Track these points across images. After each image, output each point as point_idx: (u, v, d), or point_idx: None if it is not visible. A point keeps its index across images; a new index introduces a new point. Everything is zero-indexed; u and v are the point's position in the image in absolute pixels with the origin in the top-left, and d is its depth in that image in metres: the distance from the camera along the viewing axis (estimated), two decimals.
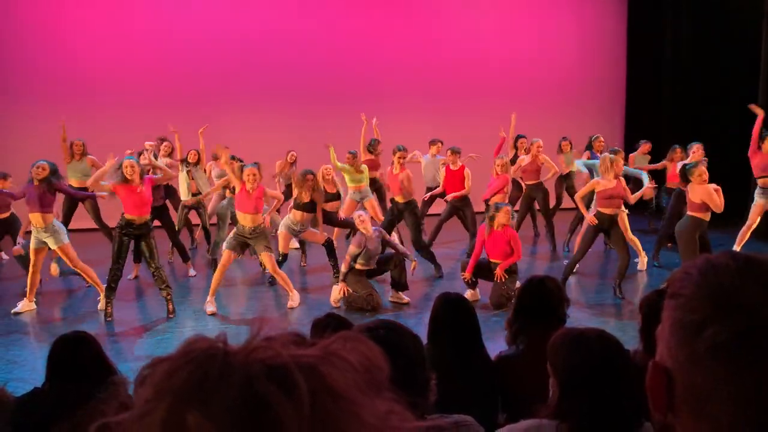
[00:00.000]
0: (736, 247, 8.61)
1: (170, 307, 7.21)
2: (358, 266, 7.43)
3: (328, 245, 8.29)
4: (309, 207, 8.17)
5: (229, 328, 6.83)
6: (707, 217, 7.36)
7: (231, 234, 7.66)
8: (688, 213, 7.45)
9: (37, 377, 4.17)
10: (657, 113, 13.97)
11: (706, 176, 7.25)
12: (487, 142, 11.14)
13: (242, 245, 7.49)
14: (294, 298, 7.49)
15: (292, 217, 8.23)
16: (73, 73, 12.17)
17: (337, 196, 9.25)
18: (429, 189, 10.32)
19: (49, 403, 2.77)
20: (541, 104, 14.00)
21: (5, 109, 11.97)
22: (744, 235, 8.70)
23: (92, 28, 12.21)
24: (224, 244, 7.67)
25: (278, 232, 8.41)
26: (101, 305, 7.32)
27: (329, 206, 8.83)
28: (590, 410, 1.96)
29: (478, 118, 13.44)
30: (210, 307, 7.30)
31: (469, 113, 13.61)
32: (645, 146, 10.93)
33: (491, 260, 7.42)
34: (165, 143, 9.59)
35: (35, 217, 7.19)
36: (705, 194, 7.20)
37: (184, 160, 9.24)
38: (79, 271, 7.51)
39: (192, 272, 8.99)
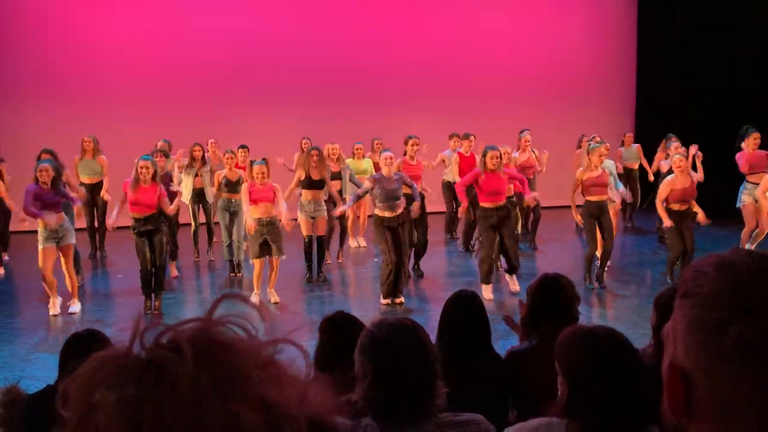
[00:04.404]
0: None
1: (156, 303, 7.31)
2: (377, 211, 7.31)
3: (310, 241, 8.19)
4: (316, 185, 8.18)
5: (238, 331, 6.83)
6: (683, 207, 7.47)
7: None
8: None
9: (50, 375, 4.20)
10: (667, 111, 13.88)
11: (683, 164, 7.42)
12: (496, 141, 11.07)
13: (262, 246, 7.38)
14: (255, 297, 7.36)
15: (302, 198, 8.27)
16: (84, 72, 12.20)
17: (339, 175, 9.10)
18: (448, 184, 10.21)
19: None
20: (551, 103, 13.96)
21: (10, 108, 12.01)
22: (745, 237, 8.61)
23: (103, 26, 12.23)
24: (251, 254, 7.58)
25: (298, 218, 8.34)
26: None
27: (333, 185, 8.70)
28: (599, 409, 1.94)
29: (489, 119, 13.39)
30: (255, 298, 7.28)
31: (479, 113, 13.54)
32: (628, 138, 11.38)
33: (485, 205, 7.40)
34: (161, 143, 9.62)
35: (55, 218, 7.03)
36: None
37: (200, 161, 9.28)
38: (65, 273, 7.31)
39: (174, 272, 8.83)
